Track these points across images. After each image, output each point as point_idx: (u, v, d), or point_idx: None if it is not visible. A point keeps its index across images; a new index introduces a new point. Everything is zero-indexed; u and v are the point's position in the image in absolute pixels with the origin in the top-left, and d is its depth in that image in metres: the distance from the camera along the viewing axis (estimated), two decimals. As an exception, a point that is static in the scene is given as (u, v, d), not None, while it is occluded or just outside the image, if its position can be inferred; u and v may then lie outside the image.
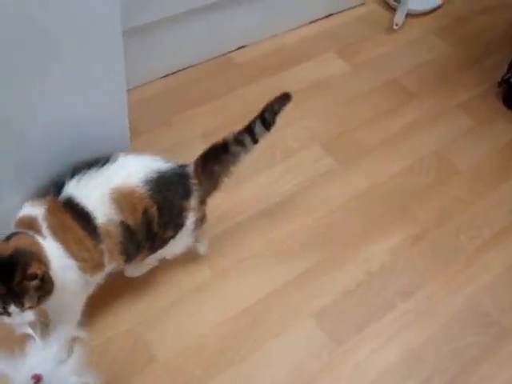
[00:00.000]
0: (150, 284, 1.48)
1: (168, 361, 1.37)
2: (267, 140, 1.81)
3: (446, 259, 1.63)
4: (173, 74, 1.96)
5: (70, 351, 1.04)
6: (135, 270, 1.44)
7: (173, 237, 1.32)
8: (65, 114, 1.25)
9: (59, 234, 1.15)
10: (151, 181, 1.23)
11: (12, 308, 1.07)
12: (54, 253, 1.13)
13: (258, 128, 1.34)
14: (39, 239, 1.13)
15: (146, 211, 1.22)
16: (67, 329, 1.09)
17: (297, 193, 1.72)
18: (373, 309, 1.50)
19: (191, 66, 2.01)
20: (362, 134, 1.91)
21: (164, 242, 1.31)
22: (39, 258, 1.09)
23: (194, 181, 1.31)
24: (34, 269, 1.05)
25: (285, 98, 1.34)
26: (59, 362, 1.02)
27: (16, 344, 1.03)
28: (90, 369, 1.04)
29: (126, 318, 1.42)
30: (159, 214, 1.24)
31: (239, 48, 2.11)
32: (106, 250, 1.21)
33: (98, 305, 1.34)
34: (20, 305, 1.07)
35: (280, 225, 1.64)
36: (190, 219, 1.32)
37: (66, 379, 1.02)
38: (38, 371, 0.99)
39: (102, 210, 1.18)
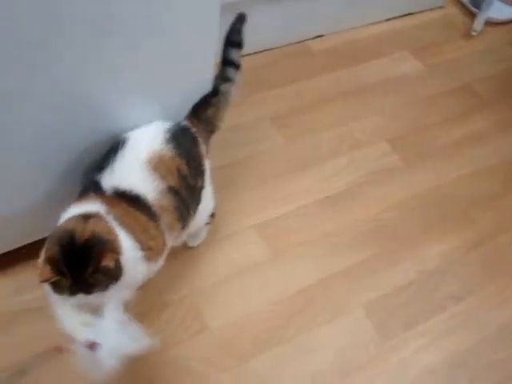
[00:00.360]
0: (209, 258, 1.52)
1: (219, 332, 1.40)
2: (336, 131, 1.85)
3: (500, 270, 1.62)
4: (251, 54, 1.98)
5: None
6: (194, 239, 1.49)
7: (202, 187, 1.33)
8: (153, 84, 1.26)
9: (127, 225, 1.12)
10: (169, 140, 1.23)
11: (80, 296, 1.05)
12: (125, 244, 1.10)
13: (233, 54, 1.37)
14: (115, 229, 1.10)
15: (179, 169, 1.22)
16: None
17: (359, 185, 1.73)
18: (422, 308, 1.51)
19: (269, 49, 2.04)
20: (429, 135, 1.91)
21: (199, 193, 1.32)
22: (114, 247, 1.06)
23: (193, 129, 1.31)
24: (108, 261, 1.02)
25: (241, 18, 1.36)
26: (117, 329, 1.04)
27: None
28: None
29: (183, 285, 1.46)
30: (188, 167, 1.25)
31: (317, 37, 2.13)
32: (164, 226, 1.20)
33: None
34: (89, 294, 1.05)
35: (340, 214, 1.66)
36: (207, 165, 1.34)
37: (125, 346, 1.04)
38: (97, 339, 1.02)
39: (147, 185, 1.17)
